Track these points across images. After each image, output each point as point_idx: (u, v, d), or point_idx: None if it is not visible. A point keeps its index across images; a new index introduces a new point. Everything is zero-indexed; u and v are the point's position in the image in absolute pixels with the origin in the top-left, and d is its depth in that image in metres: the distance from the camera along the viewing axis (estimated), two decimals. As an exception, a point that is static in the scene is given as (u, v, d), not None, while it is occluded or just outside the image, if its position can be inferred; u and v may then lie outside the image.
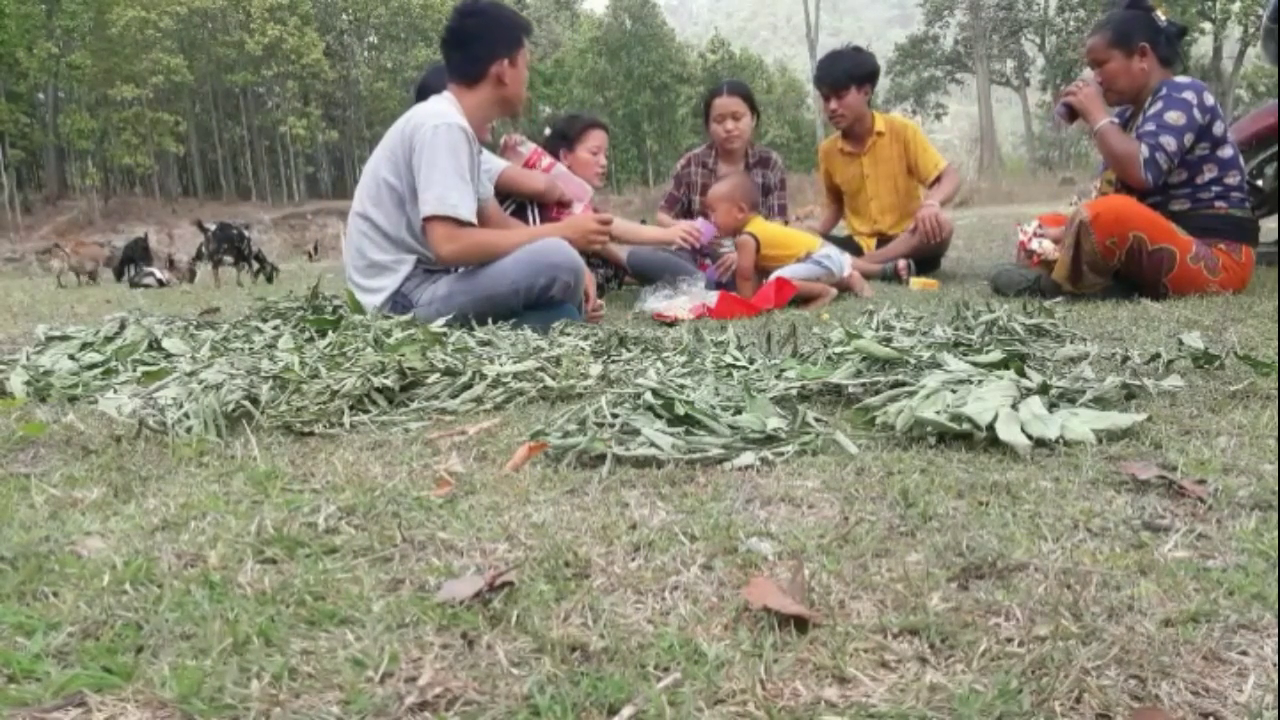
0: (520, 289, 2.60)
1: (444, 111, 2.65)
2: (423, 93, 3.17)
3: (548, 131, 4.06)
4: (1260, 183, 3.68)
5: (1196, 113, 2.72)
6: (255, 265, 10.30)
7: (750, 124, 4.17)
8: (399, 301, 2.68)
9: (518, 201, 3.58)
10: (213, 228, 10.31)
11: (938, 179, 4.19)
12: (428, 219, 2.58)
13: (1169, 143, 2.71)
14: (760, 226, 3.50)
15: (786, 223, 4.23)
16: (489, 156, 3.41)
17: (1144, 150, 2.72)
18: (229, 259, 10.17)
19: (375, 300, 2.69)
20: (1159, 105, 2.76)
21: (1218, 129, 2.75)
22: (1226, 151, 2.77)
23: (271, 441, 1.52)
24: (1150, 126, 2.74)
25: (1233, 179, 2.79)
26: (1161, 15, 2.92)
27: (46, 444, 1.55)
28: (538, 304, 2.65)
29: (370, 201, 2.70)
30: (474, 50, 2.74)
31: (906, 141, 4.25)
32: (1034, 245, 3.04)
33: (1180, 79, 2.80)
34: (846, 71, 4.16)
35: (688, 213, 4.16)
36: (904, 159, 4.27)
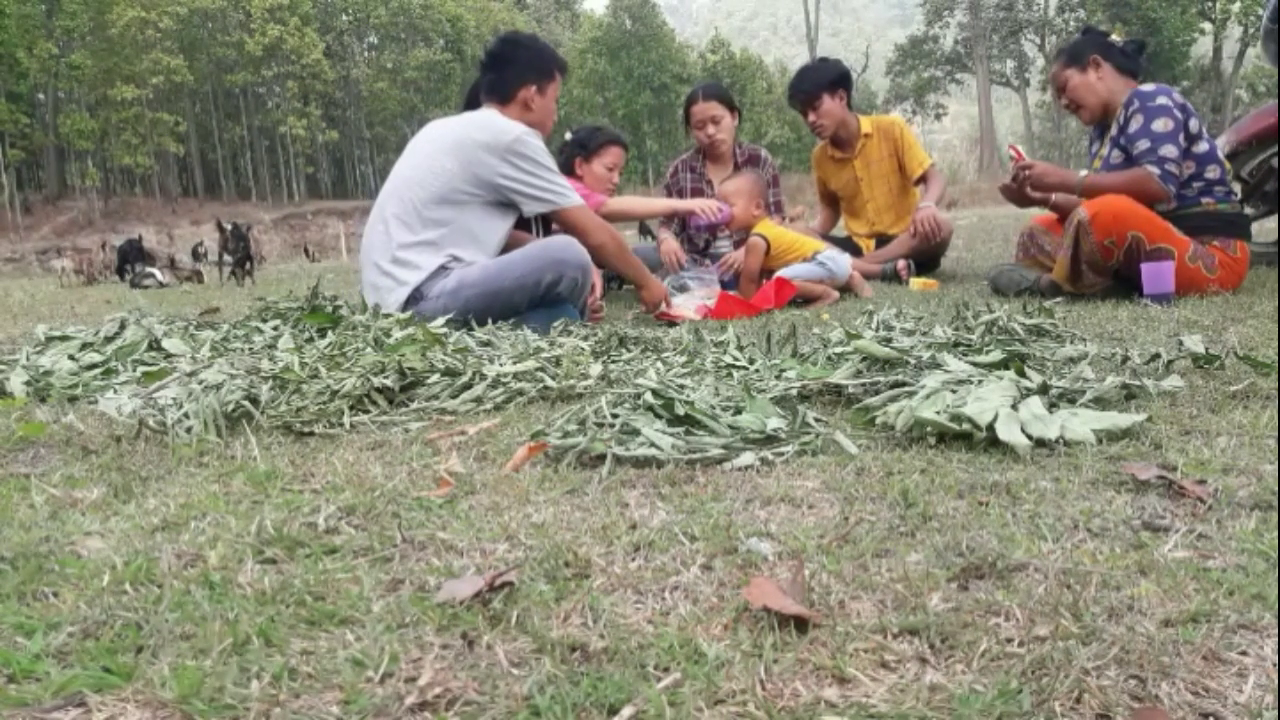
0: (528, 284, 2.64)
1: (513, 122, 2.78)
2: (477, 93, 3.33)
3: (568, 136, 4.06)
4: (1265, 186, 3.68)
5: (1177, 113, 2.75)
6: (241, 266, 10.33)
7: (732, 124, 4.16)
8: (414, 296, 2.69)
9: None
10: (230, 227, 10.41)
11: (923, 179, 4.19)
12: (566, 210, 2.80)
13: (1169, 151, 2.72)
14: (770, 229, 3.50)
15: (784, 219, 4.23)
16: None
17: (1152, 169, 2.73)
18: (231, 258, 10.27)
19: (400, 295, 2.68)
20: (1140, 119, 2.77)
21: (1193, 125, 2.77)
22: (1202, 147, 2.78)
23: (271, 441, 1.52)
24: (1145, 144, 2.75)
25: (1213, 173, 2.79)
26: (1116, 37, 3.03)
27: (46, 444, 1.55)
28: (543, 301, 2.69)
29: (428, 195, 2.71)
30: (506, 73, 2.94)
31: (895, 139, 4.25)
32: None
33: (1146, 87, 2.82)
34: (814, 82, 4.18)
35: (683, 222, 4.15)
36: (895, 157, 4.27)
